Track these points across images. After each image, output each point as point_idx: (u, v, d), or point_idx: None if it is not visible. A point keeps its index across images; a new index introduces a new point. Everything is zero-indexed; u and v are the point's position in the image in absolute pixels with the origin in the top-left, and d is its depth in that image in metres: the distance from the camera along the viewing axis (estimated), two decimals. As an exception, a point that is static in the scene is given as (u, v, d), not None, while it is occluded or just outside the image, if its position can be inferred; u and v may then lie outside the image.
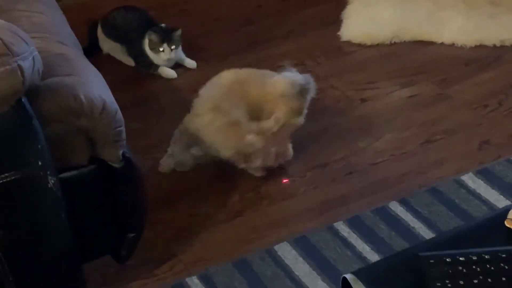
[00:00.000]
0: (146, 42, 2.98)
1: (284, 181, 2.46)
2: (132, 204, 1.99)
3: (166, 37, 2.96)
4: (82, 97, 1.76)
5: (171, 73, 3.04)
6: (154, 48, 2.96)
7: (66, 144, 1.81)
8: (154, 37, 2.95)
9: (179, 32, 2.97)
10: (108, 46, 3.11)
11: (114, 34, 3.08)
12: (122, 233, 2.02)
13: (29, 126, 1.64)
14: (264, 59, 3.06)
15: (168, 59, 2.99)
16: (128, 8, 3.10)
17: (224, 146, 2.38)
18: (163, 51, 2.96)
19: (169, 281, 2.16)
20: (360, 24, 3.15)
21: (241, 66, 3.00)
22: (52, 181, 1.69)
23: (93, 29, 3.13)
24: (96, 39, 3.12)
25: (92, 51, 3.05)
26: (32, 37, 1.68)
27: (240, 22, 3.32)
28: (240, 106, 2.37)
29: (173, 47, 2.96)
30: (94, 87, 1.83)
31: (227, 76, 2.47)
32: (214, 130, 2.37)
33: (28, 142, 1.64)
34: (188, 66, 3.08)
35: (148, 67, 3.04)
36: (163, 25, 3.01)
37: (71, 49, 2.01)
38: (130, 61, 3.10)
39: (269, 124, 2.35)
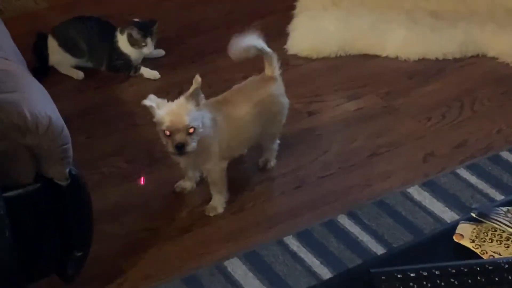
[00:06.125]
0: (122, 40, 2.99)
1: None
2: (79, 222, 1.95)
3: (147, 31, 2.98)
4: (27, 113, 1.72)
5: (154, 74, 3.05)
6: (136, 44, 2.98)
7: (11, 162, 1.76)
8: (135, 33, 2.96)
9: (157, 25, 3.00)
10: (58, 58, 3.04)
11: (71, 46, 3.01)
12: (68, 252, 1.98)
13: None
14: (211, 71, 3.05)
15: (150, 53, 3.03)
16: (81, 18, 3.05)
17: None
18: (145, 45, 2.98)
19: (117, 299, 2.13)
20: (306, 38, 3.17)
21: (189, 78, 3.01)
22: (-4, 201, 1.64)
23: (40, 46, 3.04)
24: (45, 57, 3.03)
25: (43, 72, 2.96)
26: (-26, 53, 1.63)
27: (186, 34, 3.31)
28: None
29: (154, 40, 3.00)
30: (39, 103, 1.79)
31: None
32: None
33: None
34: (158, 55, 3.14)
35: (127, 69, 3.04)
36: (137, 19, 3.02)
37: (14, 64, 1.96)
38: (76, 74, 3.04)
39: None
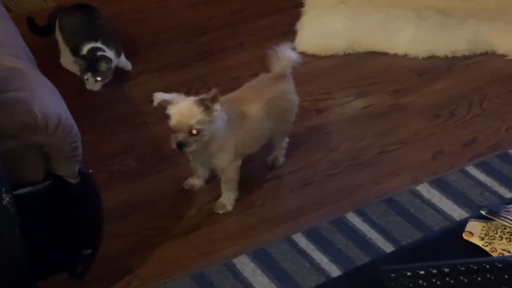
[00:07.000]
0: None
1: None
2: (89, 220, 1.96)
3: (91, 67, 2.88)
4: (37, 112, 1.73)
5: (125, 64, 3.06)
6: (81, 74, 2.92)
7: (21, 160, 1.77)
8: (80, 63, 2.90)
9: (104, 65, 2.88)
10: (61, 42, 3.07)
11: (63, 32, 3.03)
12: (78, 249, 1.98)
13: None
14: (218, 70, 3.05)
15: (91, 89, 2.93)
16: (80, 7, 3.04)
17: None
18: (87, 79, 2.91)
19: (126, 297, 2.13)
20: (314, 35, 3.17)
21: (196, 77, 3.02)
22: (7, 199, 1.64)
23: (55, 14, 3.08)
24: (54, 24, 3.07)
25: (46, 31, 3.07)
26: (-15, 51, 1.64)
27: (193, 33, 3.31)
28: None
29: (98, 78, 2.90)
30: (49, 101, 1.80)
31: None
32: None
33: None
34: (126, 68, 3.08)
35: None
36: (100, 49, 2.92)
37: (24, 63, 1.97)
38: (75, 69, 3.04)
39: None
